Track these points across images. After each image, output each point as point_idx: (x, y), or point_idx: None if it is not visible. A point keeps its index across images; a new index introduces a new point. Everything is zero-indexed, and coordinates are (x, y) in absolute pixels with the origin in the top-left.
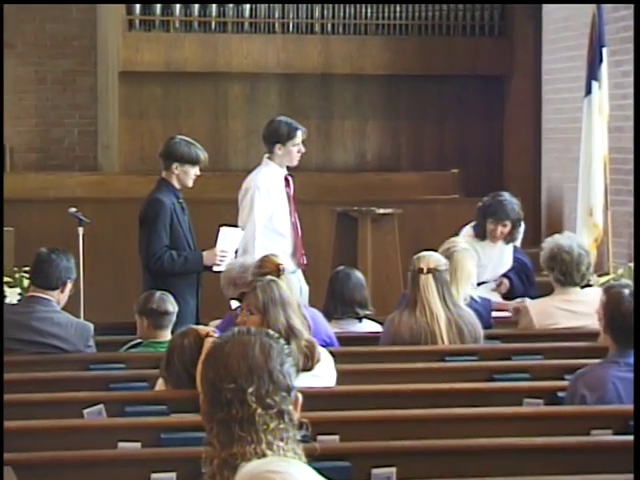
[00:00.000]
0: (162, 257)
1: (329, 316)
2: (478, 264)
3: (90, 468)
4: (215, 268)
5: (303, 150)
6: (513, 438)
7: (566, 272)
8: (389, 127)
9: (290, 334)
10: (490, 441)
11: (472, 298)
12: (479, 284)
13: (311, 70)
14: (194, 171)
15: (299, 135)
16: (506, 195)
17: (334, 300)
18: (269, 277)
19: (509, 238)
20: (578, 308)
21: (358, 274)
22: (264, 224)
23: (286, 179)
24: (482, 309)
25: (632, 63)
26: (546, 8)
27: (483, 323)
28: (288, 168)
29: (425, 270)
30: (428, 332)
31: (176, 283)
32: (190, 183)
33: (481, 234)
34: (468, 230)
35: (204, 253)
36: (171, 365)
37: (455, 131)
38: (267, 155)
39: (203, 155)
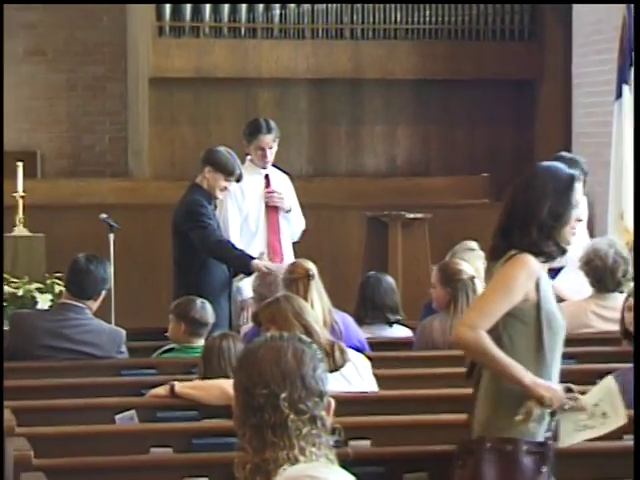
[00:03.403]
0: (221, 238)
1: (360, 321)
2: None
3: (122, 474)
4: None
5: (268, 155)
6: None
7: (599, 279)
8: (419, 132)
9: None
10: None
11: None
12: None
13: (341, 75)
14: (224, 183)
15: (260, 138)
16: None
17: (365, 305)
18: (279, 294)
19: None
20: (610, 314)
21: (389, 279)
22: (240, 224)
23: (267, 178)
24: None
25: None
26: (576, 12)
27: None
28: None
29: (471, 276)
30: None
31: (210, 287)
32: (218, 193)
33: None
34: None
35: (254, 261)
36: (209, 367)
37: (485, 135)
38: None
39: (238, 171)
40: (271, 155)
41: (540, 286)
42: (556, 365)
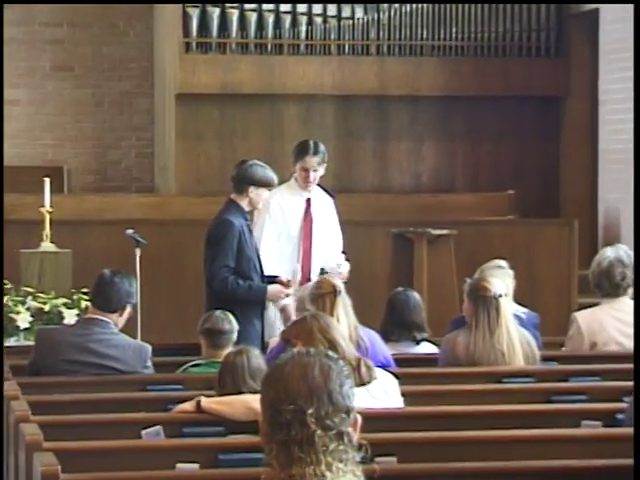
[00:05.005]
0: (227, 279)
1: (386, 338)
2: None
3: None
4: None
5: (311, 178)
6: (572, 460)
7: (598, 284)
8: (445, 148)
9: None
10: (548, 463)
11: (516, 315)
12: None
13: (367, 91)
14: (266, 194)
15: (306, 159)
16: None
17: (392, 321)
18: (307, 313)
19: None
20: (625, 317)
21: (416, 296)
22: (274, 242)
23: (308, 202)
24: (529, 325)
25: None
26: (602, 29)
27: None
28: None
29: (497, 295)
30: (492, 354)
31: (242, 305)
32: (261, 205)
33: None
34: None
35: (269, 287)
36: (222, 383)
37: (511, 152)
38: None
39: (276, 177)
40: (314, 178)
41: None
42: None
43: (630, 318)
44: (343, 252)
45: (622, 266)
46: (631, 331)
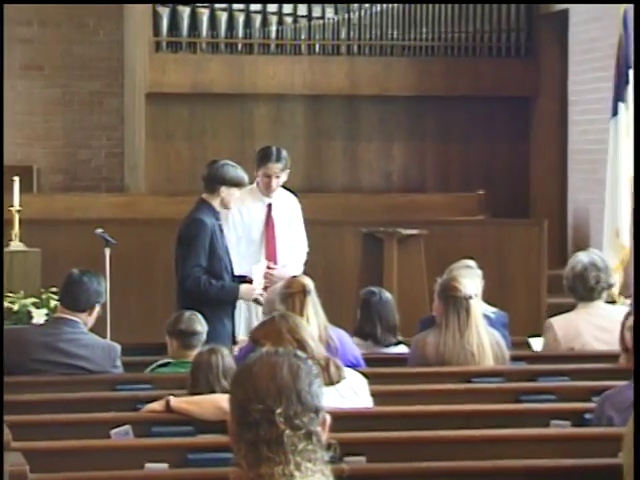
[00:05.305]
0: (199, 279)
1: (366, 336)
2: None
3: None
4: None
5: (274, 185)
6: (540, 460)
7: (572, 287)
8: (415, 148)
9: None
10: (517, 463)
11: (485, 315)
12: None
13: (337, 91)
14: (238, 194)
15: (269, 166)
16: None
17: (371, 321)
18: (275, 313)
19: None
20: (601, 322)
21: (389, 296)
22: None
23: (269, 207)
24: (498, 325)
25: None
26: (572, 29)
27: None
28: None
29: (467, 296)
30: (461, 355)
31: (212, 305)
32: (232, 205)
33: None
34: None
35: (241, 287)
36: (195, 382)
37: (481, 152)
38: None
39: (247, 177)
40: (276, 185)
41: None
42: None
43: (606, 323)
44: (308, 252)
45: (596, 270)
46: (607, 336)
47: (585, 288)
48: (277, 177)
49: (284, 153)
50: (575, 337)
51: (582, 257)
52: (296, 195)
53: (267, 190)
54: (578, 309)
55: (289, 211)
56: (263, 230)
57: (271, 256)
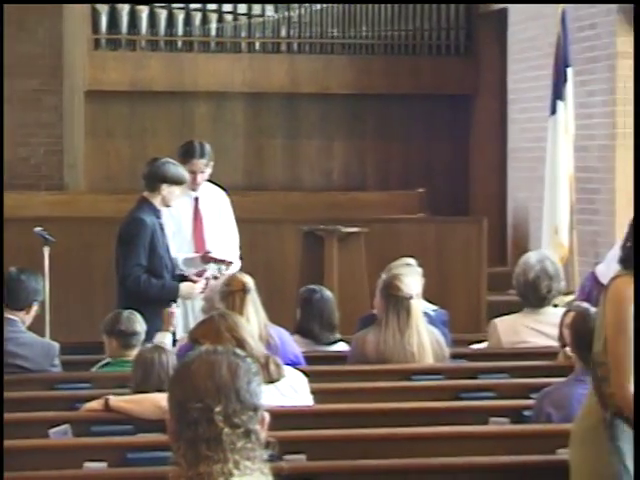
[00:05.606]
0: (139, 277)
1: (306, 334)
2: None
3: None
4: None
5: (199, 179)
6: (479, 457)
7: (522, 294)
8: (355, 146)
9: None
10: (456, 460)
11: (426, 312)
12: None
13: (277, 89)
14: (178, 191)
15: (193, 162)
16: None
17: (312, 320)
18: (214, 312)
19: None
20: (545, 328)
21: (330, 294)
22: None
23: (196, 200)
24: (438, 322)
25: (597, 83)
26: (511, 28)
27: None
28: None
29: (408, 296)
30: (402, 354)
31: (152, 302)
32: (173, 203)
33: None
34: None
35: (181, 285)
36: (146, 380)
37: (421, 150)
38: None
39: (187, 175)
40: (202, 179)
41: None
42: None
43: (550, 329)
44: (241, 247)
45: (548, 279)
46: (549, 343)
47: (536, 297)
48: (202, 172)
49: (207, 147)
50: (517, 341)
51: (533, 261)
52: (226, 191)
53: (193, 185)
54: (524, 313)
55: (217, 205)
56: (192, 224)
57: (200, 249)
